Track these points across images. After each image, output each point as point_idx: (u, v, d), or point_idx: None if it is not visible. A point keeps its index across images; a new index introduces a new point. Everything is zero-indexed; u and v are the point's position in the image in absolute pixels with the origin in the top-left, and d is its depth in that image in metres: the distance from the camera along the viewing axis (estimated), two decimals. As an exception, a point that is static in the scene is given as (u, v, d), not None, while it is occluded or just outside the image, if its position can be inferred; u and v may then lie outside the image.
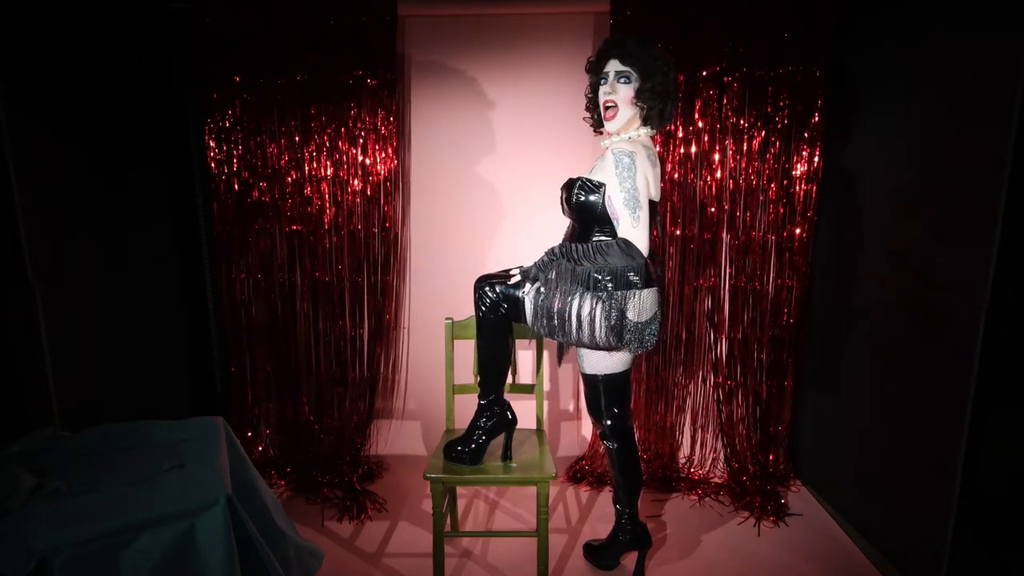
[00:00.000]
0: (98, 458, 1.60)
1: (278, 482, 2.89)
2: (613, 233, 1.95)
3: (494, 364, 2.10)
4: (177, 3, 2.72)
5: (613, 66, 1.96)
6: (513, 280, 2.01)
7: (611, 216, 1.93)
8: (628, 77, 1.93)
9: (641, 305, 1.92)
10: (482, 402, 2.13)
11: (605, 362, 2.08)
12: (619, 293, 1.89)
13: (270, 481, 2.87)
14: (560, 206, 2.10)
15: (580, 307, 1.90)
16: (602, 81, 2.00)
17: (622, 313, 1.90)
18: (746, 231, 2.76)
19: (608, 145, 2.01)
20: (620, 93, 1.95)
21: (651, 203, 1.95)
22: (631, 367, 2.16)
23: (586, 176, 1.99)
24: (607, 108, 1.98)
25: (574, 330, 1.93)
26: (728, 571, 2.32)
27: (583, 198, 1.96)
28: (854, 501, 2.53)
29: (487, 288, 2.02)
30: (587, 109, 2.16)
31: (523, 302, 1.99)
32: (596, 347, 2.00)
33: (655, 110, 1.97)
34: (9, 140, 1.92)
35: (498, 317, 2.03)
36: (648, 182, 1.93)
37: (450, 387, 2.39)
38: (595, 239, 1.98)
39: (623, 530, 2.27)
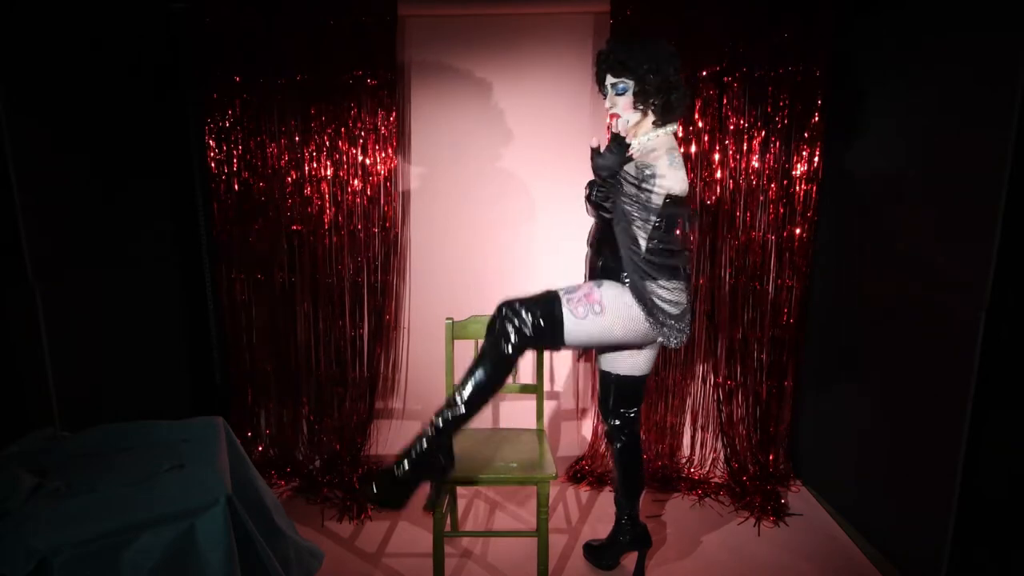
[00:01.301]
0: (98, 458, 1.60)
1: (278, 482, 2.89)
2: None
3: (486, 396, 1.92)
4: (177, 3, 2.72)
5: (608, 80, 1.99)
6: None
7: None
8: (624, 86, 1.95)
9: (670, 296, 1.91)
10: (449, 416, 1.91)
11: (625, 363, 2.08)
12: (645, 282, 1.90)
13: (270, 481, 2.87)
14: (584, 205, 2.08)
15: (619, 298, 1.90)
16: (604, 94, 2.03)
17: (652, 301, 1.90)
18: (746, 231, 2.76)
19: (635, 148, 2.01)
20: (619, 103, 1.97)
21: (680, 199, 1.93)
22: (648, 372, 2.15)
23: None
24: (611, 117, 2.00)
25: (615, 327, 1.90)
26: (728, 571, 2.32)
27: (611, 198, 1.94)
28: (854, 501, 2.53)
29: (524, 311, 1.86)
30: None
31: (562, 320, 1.88)
32: (630, 339, 1.95)
33: (658, 106, 1.96)
34: (9, 140, 1.92)
35: (521, 351, 1.88)
36: (671, 185, 1.90)
37: (450, 387, 2.39)
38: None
39: (623, 530, 2.27)
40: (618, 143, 1.86)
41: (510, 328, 1.87)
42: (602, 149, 1.88)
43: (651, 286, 1.90)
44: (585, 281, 2.06)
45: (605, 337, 1.93)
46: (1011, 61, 1.73)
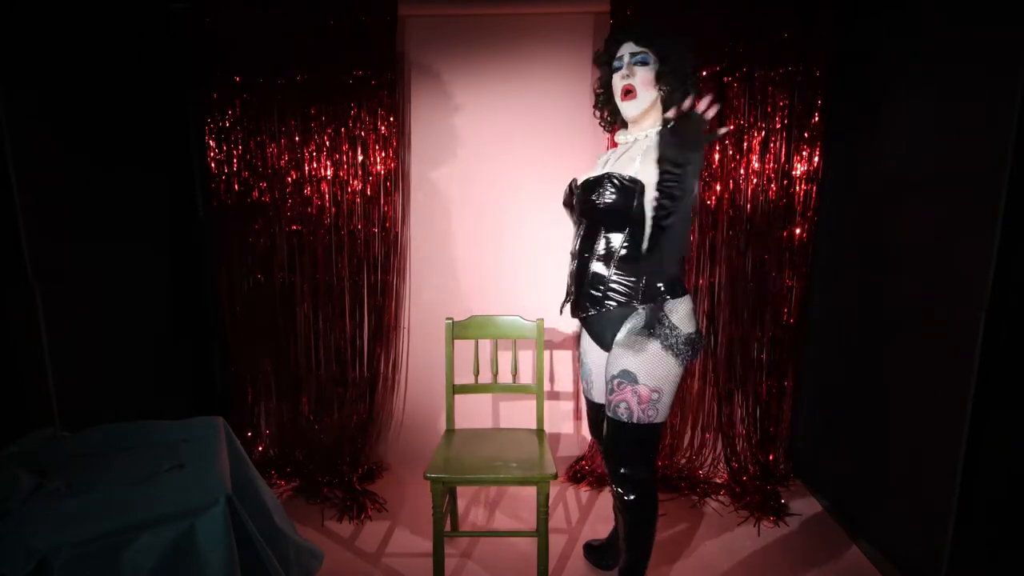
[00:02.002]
0: (98, 458, 1.60)
1: (278, 482, 2.89)
2: (636, 238, 1.74)
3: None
4: (177, 3, 2.72)
5: (628, 48, 1.76)
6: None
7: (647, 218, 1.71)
8: (646, 59, 1.73)
9: (686, 312, 1.78)
10: None
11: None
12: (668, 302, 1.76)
13: (270, 481, 2.87)
14: (568, 206, 1.90)
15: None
16: (616, 67, 1.80)
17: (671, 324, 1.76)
18: (746, 231, 2.76)
19: (633, 140, 1.82)
20: (639, 76, 1.74)
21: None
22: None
23: (617, 172, 1.73)
24: (626, 92, 1.76)
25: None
26: (728, 571, 2.32)
27: (615, 197, 1.72)
28: (854, 501, 2.53)
29: (630, 473, 1.81)
30: (596, 107, 1.97)
31: (655, 428, 1.80)
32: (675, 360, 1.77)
33: (677, 95, 1.77)
34: (9, 140, 1.92)
35: (654, 480, 1.88)
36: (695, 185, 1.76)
37: (450, 387, 2.39)
38: (624, 244, 1.76)
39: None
40: (692, 121, 1.44)
41: (641, 489, 1.84)
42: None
43: (668, 306, 1.75)
44: (612, 377, 1.80)
45: (673, 381, 1.78)
46: (1011, 61, 1.72)
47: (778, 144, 2.68)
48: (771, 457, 2.90)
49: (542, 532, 2.07)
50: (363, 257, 2.89)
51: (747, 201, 2.73)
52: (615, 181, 1.71)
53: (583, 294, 1.81)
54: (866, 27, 2.48)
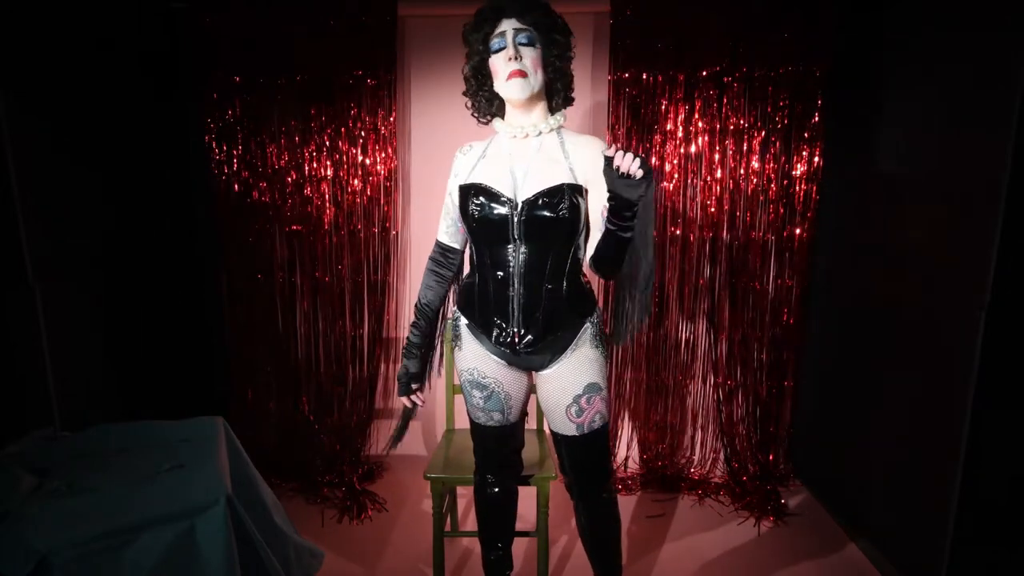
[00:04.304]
0: (98, 458, 1.60)
1: (278, 482, 2.88)
2: (580, 248, 1.66)
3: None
4: (177, 3, 2.72)
5: (510, 25, 1.54)
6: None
7: (591, 225, 1.60)
8: (531, 38, 1.54)
9: None
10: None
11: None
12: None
13: (270, 481, 2.86)
14: (483, 220, 1.67)
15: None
16: (496, 48, 1.57)
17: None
18: (746, 231, 2.76)
19: (524, 135, 1.64)
20: (527, 59, 1.53)
21: None
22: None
23: (570, 181, 1.58)
24: (516, 73, 1.53)
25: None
26: (728, 571, 2.32)
27: (577, 208, 1.59)
28: (854, 501, 2.53)
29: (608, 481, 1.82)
30: (468, 94, 1.74)
31: (606, 427, 1.80)
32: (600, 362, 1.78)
33: (557, 85, 1.63)
34: (9, 140, 1.92)
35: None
36: None
37: (450, 387, 2.39)
38: (574, 257, 1.66)
39: None
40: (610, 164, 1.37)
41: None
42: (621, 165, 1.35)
43: (598, 311, 1.78)
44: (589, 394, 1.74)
45: (603, 378, 1.77)
46: (1011, 61, 1.72)
47: (778, 144, 2.68)
48: (771, 457, 2.90)
49: (542, 532, 2.07)
50: (363, 257, 2.89)
51: (747, 201, 2.73)
52: (576, 190, 1.58)
53: (540, 322, 1.64)
54: (866, 27, 2.48)
